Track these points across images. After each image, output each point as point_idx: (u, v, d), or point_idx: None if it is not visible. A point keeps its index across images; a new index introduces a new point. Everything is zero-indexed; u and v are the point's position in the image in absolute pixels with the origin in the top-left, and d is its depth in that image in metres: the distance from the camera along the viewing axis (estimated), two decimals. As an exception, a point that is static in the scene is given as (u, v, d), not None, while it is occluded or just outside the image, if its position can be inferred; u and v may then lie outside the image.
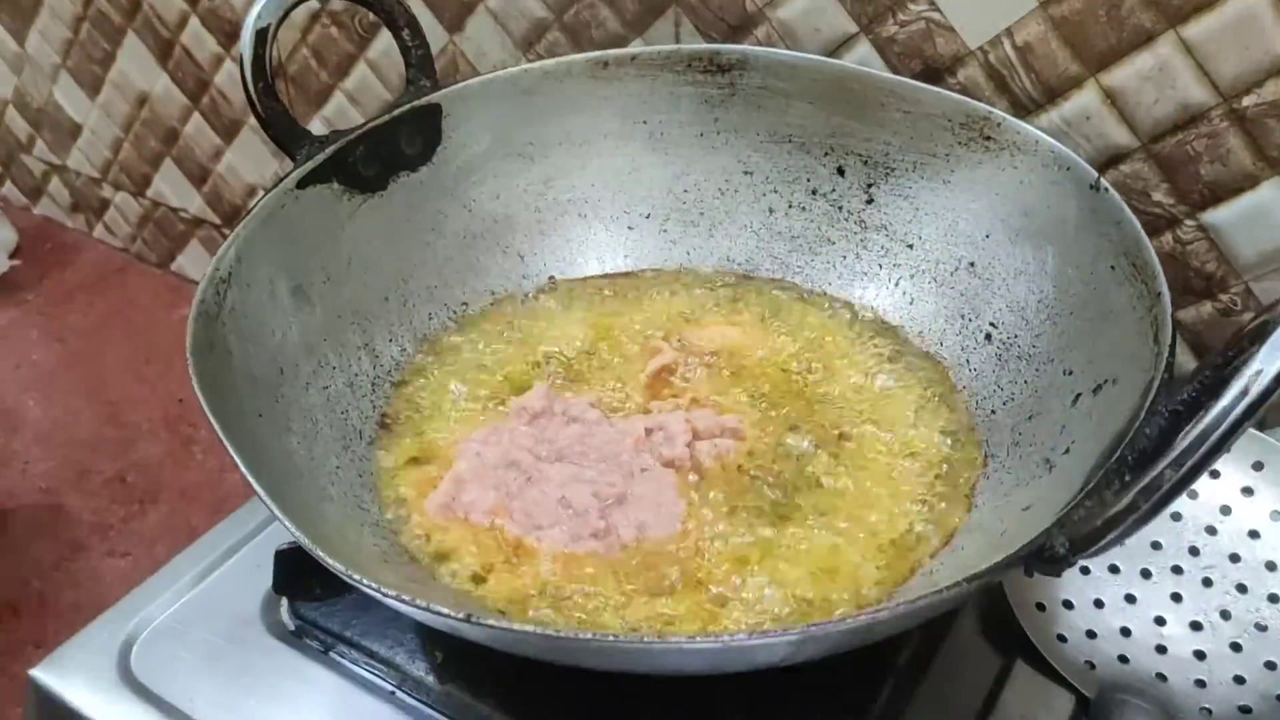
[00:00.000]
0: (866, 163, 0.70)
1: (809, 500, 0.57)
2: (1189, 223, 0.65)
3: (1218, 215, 0.64)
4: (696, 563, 0.54)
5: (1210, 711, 0.57)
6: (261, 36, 0.62)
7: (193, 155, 1.14)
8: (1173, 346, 0.49)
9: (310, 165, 0.64)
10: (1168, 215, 0.65)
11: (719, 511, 0.56)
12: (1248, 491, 0.61)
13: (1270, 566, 0.60)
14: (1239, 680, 0.58)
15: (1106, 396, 0.53)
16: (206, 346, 0.54)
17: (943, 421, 0.61)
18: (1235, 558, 0.61)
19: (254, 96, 0.64)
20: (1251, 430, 0.42)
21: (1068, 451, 0.53)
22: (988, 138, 0.65)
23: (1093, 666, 0.59)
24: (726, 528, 0.56)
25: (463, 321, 0.69)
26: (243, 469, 0.47)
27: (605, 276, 0.73)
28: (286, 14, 0.63)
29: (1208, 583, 0.60)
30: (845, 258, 0.71)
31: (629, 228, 0.74)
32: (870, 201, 0.70)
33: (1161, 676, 0.58)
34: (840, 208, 0.71)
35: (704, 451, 0.58)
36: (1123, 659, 0.59)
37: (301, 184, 0.64)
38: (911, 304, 0.68)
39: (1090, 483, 0.44)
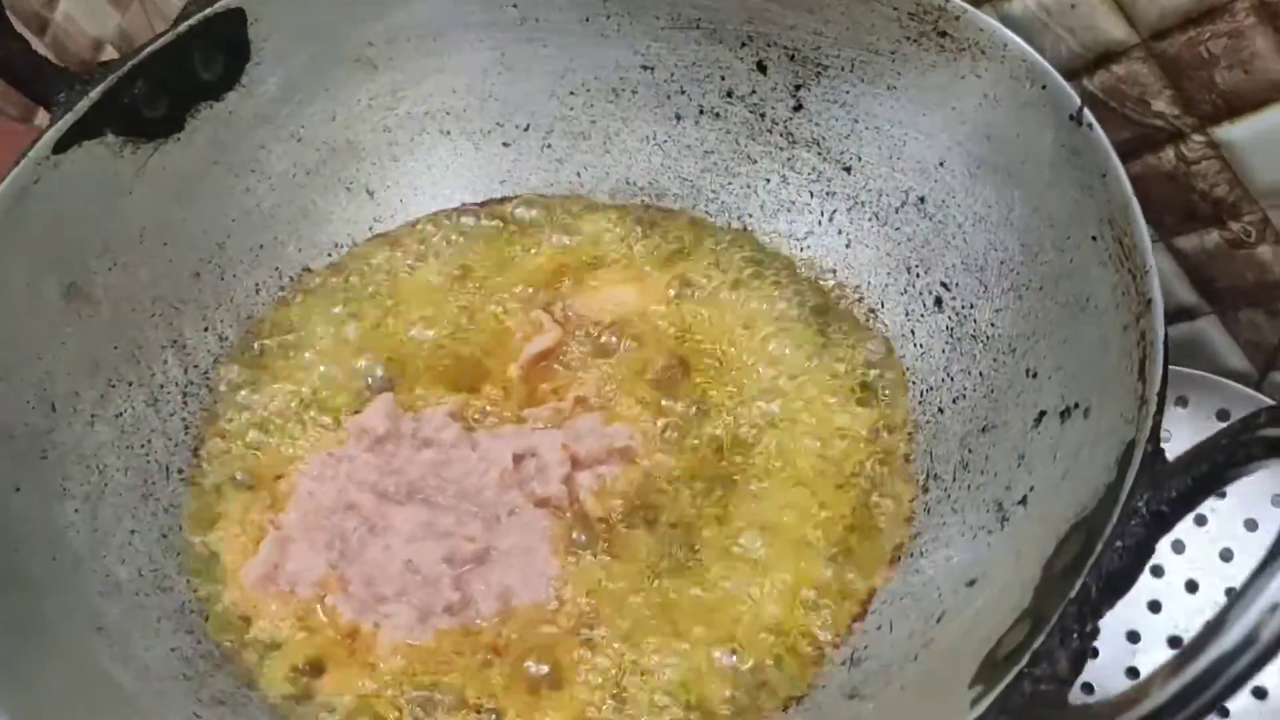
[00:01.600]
0: (793, 58, 0.55)
1: (712, 543, 0.47)
2: (1196, 138, 0.51)
3: (1233, 131, 0.50)
4: (576, 643, 0.44)
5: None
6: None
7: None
8: (1162, 396, 0.37)
9: (70, 119, 0.50)
10: (1170, 128, 0.51)
11: (601, 568, 0.46)
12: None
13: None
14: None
15: (1075, 431, 0.41)
16: (-73, 416, 0.42)
17: (877, 417, 0.50)
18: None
19: (-24, 33, 0.49)
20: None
21: (1024, 501, 0.42)
22: (943, 34, 0.50)
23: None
24: (611, 590, 0.45)
25: (301, 290, 0.57)
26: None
27: (479, 208, 0.59)
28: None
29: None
30: (769, 181, 0.57)
31: (504, 144, 0.60)
32: (798, 108, 0.56)
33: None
34: (762, 115, 0.57)
35: (585, 485, 0.47)
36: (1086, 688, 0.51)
37: (60, 146, 0.50)
38: (849, 247, 0.55)
39: (1052, 617, 0.34)
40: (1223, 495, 0.52)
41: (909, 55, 0.51)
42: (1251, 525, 0.51)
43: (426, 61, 0.58)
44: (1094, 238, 0.44)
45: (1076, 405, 0.42)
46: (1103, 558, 0.34)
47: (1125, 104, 0.51)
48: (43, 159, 0.49)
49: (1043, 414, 0.44)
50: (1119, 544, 0.34)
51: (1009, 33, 0.48)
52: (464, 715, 0.43)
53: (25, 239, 0.48)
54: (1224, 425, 0.52)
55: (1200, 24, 0.47)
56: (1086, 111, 0.45)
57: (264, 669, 0.44)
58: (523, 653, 0.44)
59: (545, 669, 0.44)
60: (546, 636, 0.44)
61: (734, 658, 0.44)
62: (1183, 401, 0.54)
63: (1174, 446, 0.36)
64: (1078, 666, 0.33)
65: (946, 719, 0.34)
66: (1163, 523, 0.35)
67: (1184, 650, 0.27)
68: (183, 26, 0.53)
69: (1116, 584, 0.34)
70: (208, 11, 0.53)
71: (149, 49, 0.52)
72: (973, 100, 0.50)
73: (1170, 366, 0.38)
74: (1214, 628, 0.26)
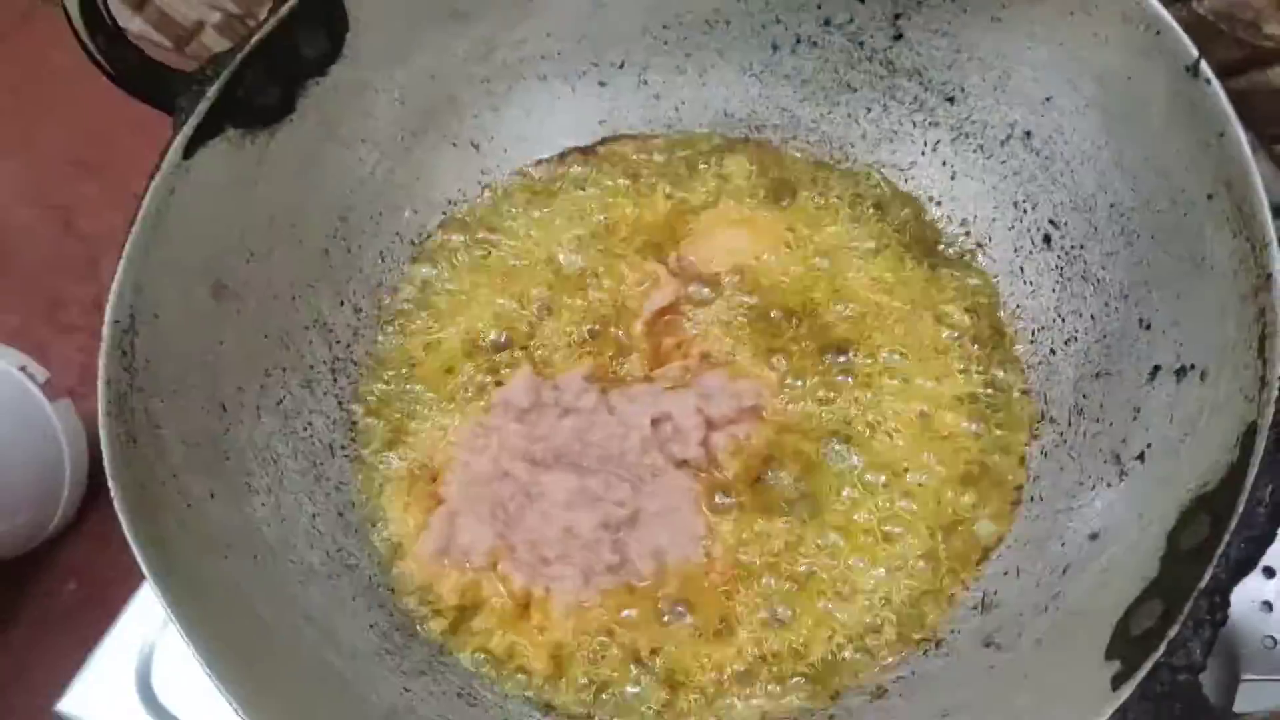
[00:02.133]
0: (892, -14, 0.54)
1: (844, 492, 0.51)
2: (1310, 58, 0.51)
3: (1349, 53, 0.50)
4: (730, 594, 0.49)
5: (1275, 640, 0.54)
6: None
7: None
8: (1287, 384, 0.40)
9: (194, 122, 0.51)
10: (1282, 49, 0.51)
11: (743, 523, 0.50)
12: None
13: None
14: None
15: (1192, 394, 0.44)
16: (127, 443, 0.46)
17: (990, 356, 0.53)
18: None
19: (93, 50, 0.50)
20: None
21: (1141, 458, 0.45)
22: (1051, -34, 0.49)
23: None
24: (754, 543, 0.50)
25: (424, 254, 0.59)
26: (199, 660, 0.41)
27: (581, 153, 0.60)
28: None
29: None
30: (870, 110, 0.58)
31: (600, 84, 0.60)
32: (899, 37, 0.56)
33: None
34: (861, 44, 0.57)
35: (720, 446, 0.51)
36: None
37: (189, 151, 0.51)
38: (953, 179, 0.56)
39: (1183, 604, 0.38)
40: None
41: (1014, -13, 0.51)
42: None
43: (516, 8, 0.58)
44: (1210, 196, 0.45)
45: (1193, 366, 0.45)
46: (1230, 547, 0.38)
47: (1237, 28, 0.51)
48: (175, 166, 0.50)
49: (1157, 368, 0.46)
50: (1244, 533, 0.38)
51: (1122, -30, 0.47)
52: (640, 667, 0.48)
53: (173, 250, 0.50)
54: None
55: (1322, -46, 0.47)
56: (1204, 65, 0.45)
57: (453, 635, 0.50)
58: (685, 605, 0.49)
59: (708, 619, 0.49)
60: (703, 590, 0.49)
61: (875, 599, 0.49)
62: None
63: None
64: (1209, 650, 0.37)
65: (1087, 689, 0.38)
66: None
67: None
68: (284, 10, 0.53)
69: (1240, 569, 0.38)
70: (304, -10, 0.53)
71: (255, 38, 0.52)
72: (1082, 38, 0.50)
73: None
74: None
